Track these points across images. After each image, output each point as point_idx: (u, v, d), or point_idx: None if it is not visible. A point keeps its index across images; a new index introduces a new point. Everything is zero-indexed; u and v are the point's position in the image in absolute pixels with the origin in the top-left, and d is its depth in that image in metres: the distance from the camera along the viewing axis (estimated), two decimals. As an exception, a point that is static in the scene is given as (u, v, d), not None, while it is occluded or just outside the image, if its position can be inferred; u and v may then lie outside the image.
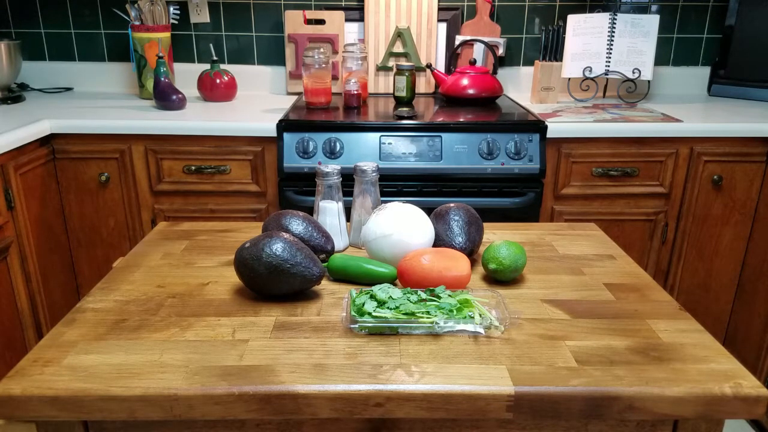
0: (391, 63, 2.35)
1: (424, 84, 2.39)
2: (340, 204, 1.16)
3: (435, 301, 0.91)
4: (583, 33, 2.23)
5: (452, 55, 2.34)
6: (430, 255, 0.97)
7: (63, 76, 2.46)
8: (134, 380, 0.76)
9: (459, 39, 2.32)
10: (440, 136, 1.87)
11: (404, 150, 1.86)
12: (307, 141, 1.85)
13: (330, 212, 1.15)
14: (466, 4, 2.39)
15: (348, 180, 1.46)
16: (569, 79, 2.32)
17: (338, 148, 1.85)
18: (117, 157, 1.90)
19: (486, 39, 2.29)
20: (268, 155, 1.90)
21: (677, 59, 2.49)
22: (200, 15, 2.39)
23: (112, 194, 1.94)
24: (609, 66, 2.25)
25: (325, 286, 1.02)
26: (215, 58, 2.28)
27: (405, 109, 2.07)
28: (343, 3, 2.39)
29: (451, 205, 1.14)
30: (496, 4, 2.40)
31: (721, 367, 0.80)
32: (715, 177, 1.94)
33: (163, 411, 0.75)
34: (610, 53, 2.23)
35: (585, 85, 2.31)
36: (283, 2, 2.38)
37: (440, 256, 0.97)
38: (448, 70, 2.33)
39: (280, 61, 2.46)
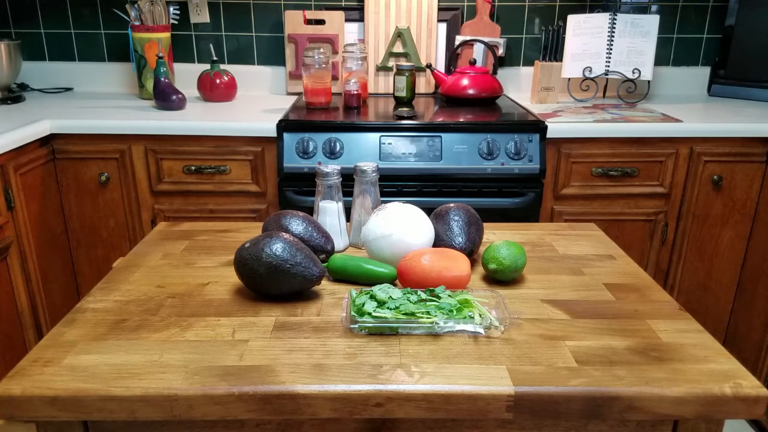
0: (391, 63, 2.35)
1: (424, 84, 2.39)
2: (340, 204, 1.16)
3: (435, 301, 0.91)
4: (583, 33, 2.23)
5: (452, 55, 2.34)
6: (430, 255, 0.97)
7: (63, 76, 2.46)
8: (134, 380, 0.76)
9: (459, 39, 2.32)
10: (440, 136, 1.87)
11: (404, 150, 1.86)
12: (307, 141, 1.85)
13: (330, 212, 1.15)
14: (466, 4, 2.39)
15: (348, 180, 1.46)
16: (569, 79, 2.31)
17: (338, 148, 1.85)
18: (117, 157, 1.90)
19: (486, 39, 2.29)
20: (268, 155, 1.90)
21: (677, 59, 2.49)
22: (200, 15, 2.39)
23: (112, 194, 1.94)
24: (609, 66, 2.25)
25: (325, 286, 1.02)
26: (215, 58, 2.28)
27: (405, 109, 2.07)
28: (343, 3, 2.39)
29: (451, 205, 1.14)
30: (496, 4, 2.40)
31: (721, 367, 0.80)
32: (715, 177, 1.94)
33: (163, 411, 0.75)
34: (610, 53, 2.23)
35: (585, 85, 2.31)
36: (283, 2, 2.38)
37: (440, 256, 0.97)
38: (448, 70, 2.33)
39: (280, 61, 2.46)
